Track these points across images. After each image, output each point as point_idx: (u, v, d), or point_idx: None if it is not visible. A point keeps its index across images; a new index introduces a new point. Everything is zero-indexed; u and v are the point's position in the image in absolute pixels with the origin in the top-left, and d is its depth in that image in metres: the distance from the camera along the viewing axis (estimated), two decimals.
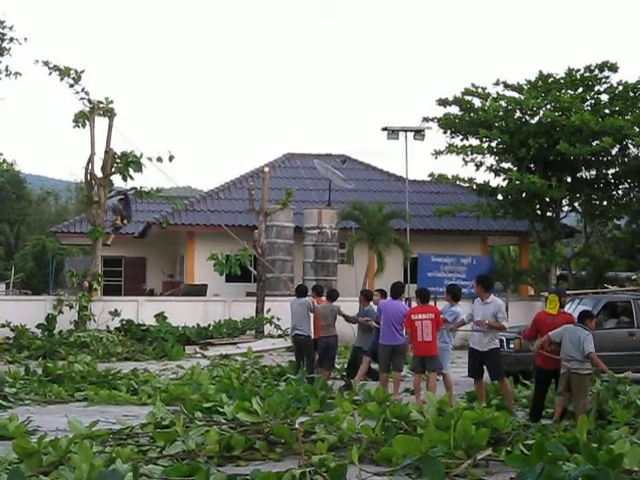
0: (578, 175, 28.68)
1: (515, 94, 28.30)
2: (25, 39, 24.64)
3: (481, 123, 27.51)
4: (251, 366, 17.47)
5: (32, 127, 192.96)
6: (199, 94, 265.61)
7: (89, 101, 24.47)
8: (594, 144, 26.06)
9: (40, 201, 73.81)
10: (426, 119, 28.71)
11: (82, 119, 24.32)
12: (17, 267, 51.66)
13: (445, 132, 28.74)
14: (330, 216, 28.12)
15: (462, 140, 28.69)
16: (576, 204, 29.37)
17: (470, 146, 28.23)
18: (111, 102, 24.72)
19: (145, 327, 23.19)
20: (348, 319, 15.48)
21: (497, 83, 28.66)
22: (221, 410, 10.45)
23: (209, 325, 23.89)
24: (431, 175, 28.86)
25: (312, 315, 15.25)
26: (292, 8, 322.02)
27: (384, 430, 8.82)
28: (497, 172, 29.05)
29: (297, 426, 8.72)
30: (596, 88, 28.02)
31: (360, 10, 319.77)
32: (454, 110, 28.63)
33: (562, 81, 28.22)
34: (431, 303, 13.18)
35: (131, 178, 24.61)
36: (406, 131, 28.23)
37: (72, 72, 24.18)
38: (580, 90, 28.08)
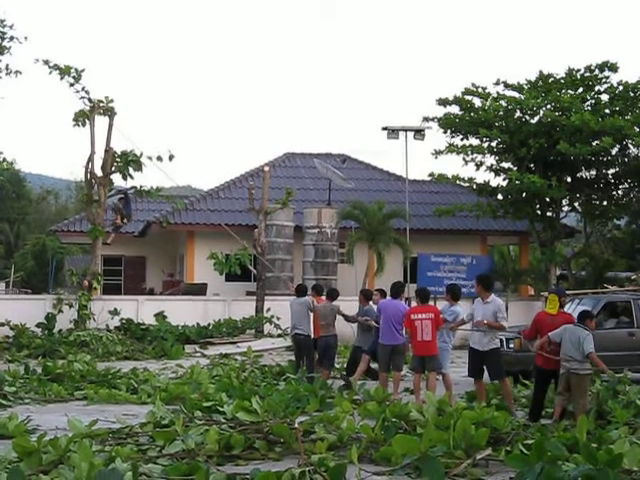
0: (578, 175, 28.68)
1: (515, 94, 28.30)
2: (25, 38, 24.68)
3: (481, 123, 27.51)
4: (251, 365, 17.47)
5: (32, 126, 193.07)
6: (199, 93, 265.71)
7: (89, 100, 24.49)
8: (594, 144, 26.07)
9: (40, 200, 73.81)
10: (426, 119, 28.72)
11: (82, 118, 24.33)
12: (17, 266, 51.64)
13: (445, 132, 28.75)
14: (330, 215, 28.13)
15: (462, 140, 28.71)
16: (576, 204, 29.38)
17: (470, 146, 28.23)
18: (111, 101, 24.75)
19: (145, 326, 23.19)
20: (348, 318, 15.48)
21: (497, 83, 28.67)
22: (221, 409, 10.46)
23: (209, 324, 23.89)
24: (431, 175, 28.87)
25: (312, 314, 15.24)
26: (292, 8, 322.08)
27: (384, 430, 8.82)
28: (497, 172, 29.06)
29: (297, 425, 8.72)
30: (596, 88, 28.02)
31: (360, 10, 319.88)
32: (454, 110, 28.66)
33: (562, 81, 28.22)
34: (431, 303, 13.18)
35: (131, 177, 24.64)
36: (406, 131, 28.23)
37: (72, 71, 24.19)
38: (580, 90, 28.08)
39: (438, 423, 8.84)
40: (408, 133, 28.19)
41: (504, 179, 28.61)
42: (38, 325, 22.46)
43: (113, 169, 24.56)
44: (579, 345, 10.26)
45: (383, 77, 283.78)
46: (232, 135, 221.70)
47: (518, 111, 27.82)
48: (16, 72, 24.55)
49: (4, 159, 27.33)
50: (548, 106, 27.28)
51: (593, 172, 28.75)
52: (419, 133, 28.14)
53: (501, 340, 13.94)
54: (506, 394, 11.74)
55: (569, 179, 28.47)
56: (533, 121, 27.71)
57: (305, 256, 28.12)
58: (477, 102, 28.52)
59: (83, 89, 24.35)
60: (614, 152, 27.67)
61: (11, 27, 24.37)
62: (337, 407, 10.76)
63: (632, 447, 7.73)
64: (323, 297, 15.63)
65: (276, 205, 26.73)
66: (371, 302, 15.19)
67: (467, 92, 28.52)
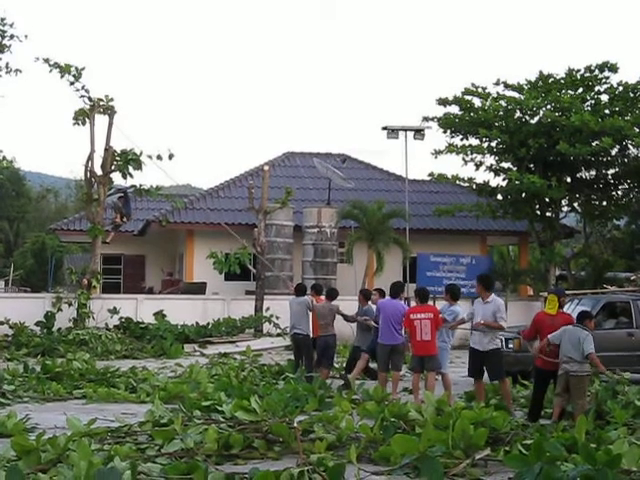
0: (578, 175, 28.68)
1: (515, 94, 28.30)
2: (26, 36, 24.61)
3: (481, 123, 27.51)
4: (250, 365, 17.45)
5: (32, 124, 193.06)
6: (199, 92, 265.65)
7: (89, 99, 24.49)
8: (594, 144, 26.06)
9: (40, 198, 73.80)
10: (426, 118, 28.71)
11: (82, 117, 24.34)
12: (16, 264, 51.67)
13: (445, 132, 28.75)
14: (330, 215, 28.13)
15: (462, 140, 28.72)
16: (575, 204, 29.38)
17: (470, 146, 28.23)
18: (111, 100, 24.75)
19: (144, 325, 23.19)
20: (347, 318, 15.48)
21: (497, 83, 28.67)
22: (220, 408, 10.45)
23: (208, 323, 23.89)
24: (431, 175, 28.87)
25: (311, 314, 15.24)
26: (292, 8, 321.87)
27: (382, 429, 8.82)
28: (497, 172, 29.06)
29: (295, 425, 8.72)
30: (596, 88, 28.02)
31: (360, 10, 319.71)
32: (454, 110, 28.66)
33: (562, 81, 28.22)
34: (430, 303, 13.18)
35: (131, 176, 24.66)
36: (406, 130, 28.22)
37: (72, 69, 24.19)
38: (580, 90, 28.09)
39: (437, 423, 8.84)
40: (408, 133, 28.18)
41: (504, 179, 28.62)
42: (37, 323, 22.46)
43: (113, 168, 24.56)
44: (579, 346, 10.25)
45: (383, 77, 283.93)
46: (232, 134, 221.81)
47: (518, 111, 27.82)
48: (16, 70, 24.52)
49: (4, 157, 27.25)
50: (548, 106, 27.29)
51: (593, 172, 28.76)
52: (419, 133, 28.14)
53: (500, 340, 13.93)
54: (505, 394, 11.74)
55: (569, 179, 28.47)
56: (533, 121, 27.71)
57: (304, 256, 28.13)
58: (477, 102, 28.53)
59: (83, 88, 24.38)
60: (614, 152, 27.67)
61: (11, 25, 24.34)
62: (336, 407, 10.76)
63: (631, 447, 7.73)
64: (322, 297, 15.62)
65: (276, 204, 26.73)
66: (370, 302, 15.20)
67: (467, 92, 28.52)
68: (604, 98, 27.78)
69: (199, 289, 27.94)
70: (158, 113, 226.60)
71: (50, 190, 76.96)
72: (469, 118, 28.05)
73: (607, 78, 27.89)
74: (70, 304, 23.40)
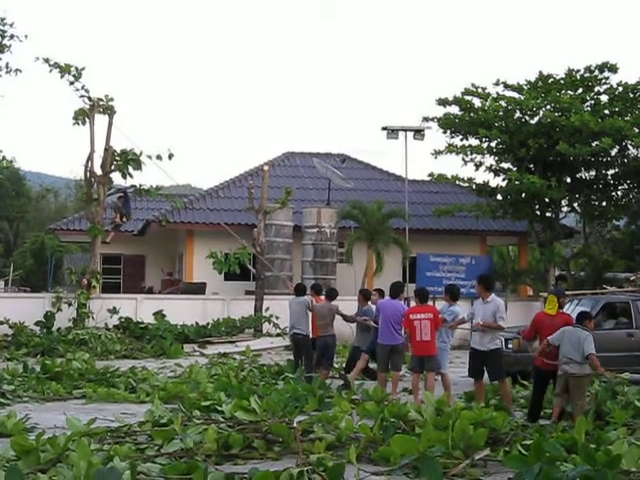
0: (577, 176, 28.68)
1: (515, 94, 28.30)
2: (26, 36, 24.64)
3: (481, 123, 27.51)
4: (249, 365, 17.45)
5: (32, 124, 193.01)
6: (199, 92, 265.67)
7: (89, 99, 24.50)
8: (594, 145, 26.07)
9: (39, 198, 73.79)
10: (426, 119, 28.71)
11: (82, 116, 24.34)
12: (16, 264, 51.65)
13: (445, 132, 28.74)
14: (329, 215, 28.13)
15: (462, 140, 28.71)
16: (575, 205, 29.37)
17: (470, 146, 28.23)
18: (111, 100, 24.75)
19: (144, 325, 23.19)
20: (346, 318, 15.48)
21: (497, 83, 28.66)
22: (219, 408, 10.45)
23: (208, 323, 23.89)
24: (430, 175, 28.86)
25: (310, 314, 15.24)
26: (292, 8, 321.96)
27: (382, 429, 8.82)
28: (496, 172, 29.05)
29: (295, 425, 8.72)
30: (596, 89, 28.03)
31: (360, 10, 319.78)
32: (454, 110, 28.66)
33: (562, 82, 28.22)
34: (430, 303, 13.18)
35: (130, 176, 24.67)
36: (406, 131, 28.21)
37: (72, 69, 24.20)
38: (580, 91, 28.09)
39: (437, 423, 8.83)
40: (408, 133, 28.18)
41: (503, 179, 28.62)
42: (37, 323, 22.47)
43: (113, 168, 24.57)
44: (579, 346, 10.24)
45: (383, 77, 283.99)
46: (232, 134, 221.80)
47: (518, 111, 27.81)
48: (16, 70, 24.54)
49: (4, 157, 27.24)
50: (548, 107, 27.29)
51: (592, 173, 28.76)
52: (419, 133, 28.13)
53: (501, 340, 13.92)
54: (505, 395, 11.74)
55: (568, 180, 28.48)
56: (533, 121, 27.71)
57: (304, 256, 28.12)
58: (477, 102, 28.53)
59: (83, 87, 24.39)
60: (613, 153, 27.67)
61: (11, 25, 24.37)
62: (336, 407, 10.75)
63: (630, 448, 7.73)
64: (322, 297, 15.62)
65: (275, 204, 26.73)
66: (369, 302, 15.20)
67: (467, 92, 28.52)
68: (604, 98, 27.79)
69: (199, 289, 27.94)
70: (158, 113, 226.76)
71: (50, 190, 76.96)
72: (469, 118, 28.05)
73: (607, 78, 27.91)
74: (70, 304, 23.40)
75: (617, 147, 27.08)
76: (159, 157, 24.30)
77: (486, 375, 11.88)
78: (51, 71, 24.18)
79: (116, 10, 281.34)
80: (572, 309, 14.38)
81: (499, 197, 29.00)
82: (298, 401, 11.47)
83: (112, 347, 20.87)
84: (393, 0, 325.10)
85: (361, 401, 11.94)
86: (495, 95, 28.41)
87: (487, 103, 28.10)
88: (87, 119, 24.38)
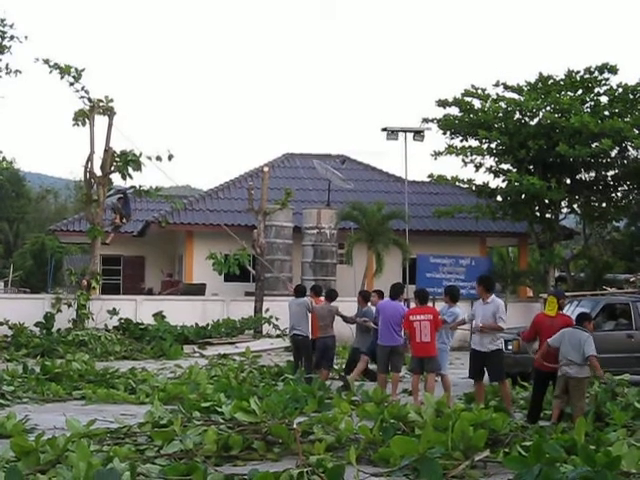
0: (577, 177, 28.70)
1: (515, 95, 28.31)
2: (26, 37, 24.61)
3: (481, 124, 27.51)
4: (249, 366, 17.46)
5: (32, 125, 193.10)
6: (199, 93, 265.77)
7: (89, 99, 24.50)
8: (593, 146, 26.08)
9: (39, 199, 73.81)
10: (426, 120, 28.73)
11: (82, 117, 24.35)
12: (16, 265, 51.64)
13: (445, 133, 28.75)
14: (329, 216, 28.13)
15: (462, 141, 28.71)
16: (575, 206, 29.39)
17: (469, 147, 28.23)
18: (111, 101, 24.76)
19: (143, 326, 23.20)
20: (346, 319, 15.48)
21: (497, 84, 28.67)
22: (219, 410, 10.45)
23: (207, 324, 23.89)
24: (430, 176, 28.87)
25: (310, 315, 15.24)
26: (292, 8, 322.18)
27: (382, 431, 8.82)
28: (496, 173, 29.08)
29: (295, 426, 8.71)
30: (596, 90, 28.04)
31: (360, 10, 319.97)
32: (454, 111, 28.67)
33: (562, 83, 28.22)
34: (430, 304, 13.17)
35: (130, 177, 24.67)
36: (405, 132, 28.23)
37: (72, 70, 24.20)
38: (580, 92, 28.09)
39: (436, 424, 8.83)
40: (407, 134, 28.19)
41: (503, 180, 28.63)
42: (37, 324, 22.47)
43: (112, 169, 24.57)
44: (579, 347, 10.23)
45: (383, 78, 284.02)
46: (231, 135, 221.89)
47: (517, 113, 27.83)
48: (16, 71, 24.52)
49: (4, 158, 27.21)
50: (547, 108, 27.29)
51: (592, 174, 28.77)
52: (418, 134, 28.14)
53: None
54: (505, 396, 11.74)
55: (568, 181, 28.49)
56: (532, 123, 27.72)
57: (304, 257, 28.12)
58: (477, 103, 28.54)
59: (83, 88, 24.39)
60: (613, 154, 27.68)
61: (11, 26, 24.34)
62: (335, 408, 10.75)
63: (630, 449, 7.73)
64: (322, 298, 15.62)
65: (275, 206, 26.74)
66: (369, 303, 15.19)
67: (467, 93, 28.54)
68: (604, 100, 27.80)
69: (198, 290, 27.94)
70: (158, 114, 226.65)
71: (50, 191, 76.97)
72: (469, 119, 28.06)
73: (607, 80, 27.91)
74: (69, 305, 23.41)
75: (617, 148, 27.08)
76: (159, 158, 24.31)
77: (486, 376, 11.88)
78: (51, 72, 24.21)
79: (116, 11, 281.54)
80: (572, 310, 14.38)
81: (499, 198, 29.01)
82: (298, 402, 11.47)
83: (112, 348, 20.88)
84: (393, 1, 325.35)
85: (361, 402, 11.92)
86: (495, 96, 28.42)
87: (487, 104, 28.11)
88: (87, 120, 24.39)
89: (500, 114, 27.68)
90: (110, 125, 24.78)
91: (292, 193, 27.42)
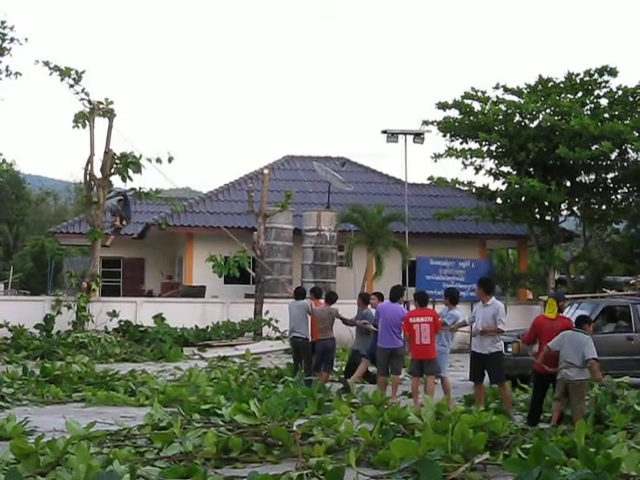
0: (577, 179, 28.72)
1: (515, 98, 28.34)
2: (26, 39, 24.60)
3: (481, 127, 27.53)
4: (249, 368, 17.45)
5: (32, 127, 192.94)
6: (199, 95, 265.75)
7: (89, 102, 24.52)
8: (593, 148, 26.11)
9: (39, 201, 73.80)
10: (426, 122, 28.74)
11: (82, 120, 24.36)
12: (16, 267, 51.64)
13: (445, 135, 28.77)
14: (329, 218, 28.14)
15: (461, 144, 28.74)
16: (575, 208, 29.40)
17: (469, 150, 28.25)
18: (111, 103, 24.79)
19: (143, 328, 23.18)
20: (346, 322, 15.48)
21: (497, 87, 28.70)
22: (219, 412, 10.44)
23: (207, 327, 23.88)
24: (430, 178, 28.90)
25: (310, 318, 15.24)
26: (292, 8, 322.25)
27: (382, 433, 8.82)
28: (496, 176, 29.09)
29: (295, 428, 8.71)
30: (596, 92, 28.06)
31: (360, 11, 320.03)
32: (454, 113, 28.69)
33: (562, 85, 28.24)
34: (429, 306, 13.17)
35: (130, 179, 24.68)
36: (406, 134, 28.20)
37: (72, 72, 24.22)
38: (580, 94, 28.11)
39: (436, 427, 8.82)
40: (407, 136, 28.16)
41: (503, 183, 28.65)
42: (36, 326, 22.46)
43: (112, 171, 24.59)
44: (580, 350, 10.22)
45: (383, 80, 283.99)
46: (231, 137, 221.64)
47: (517, 115, 27.85)
48: (16, 73, 24.50)
49: (4, 160, 27.21)
50: (547, 110, 27.31)
51: (592, 176, 28.79)
52: (418, 137, 28.13)
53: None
54: (505, 398, 11.74)
55: (568, 183, 28.50)
56: (532, 125, 27.75)
57: (304, 259, 28.13)
58: (477, 106, 28.57)
59: (83, 91, 24.40)
60: (613, 156, 27.69)
61: (11, 29, 24.34)
62: (335, 410, 10.75)
63: (630, 452, 7.73)
64: (322, 300, 15.62)
65: (275, 208, 26.75)
66: (369, 306, 15.19)
67: (467, 96, 28.56)
68: (603, 102, 27.82)
69: (198, 292, 27.94)
70: (158, 116, 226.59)
71: (50, 193, 76.96)
72: (469, 122, 28.08)
73: (606, 82, 27.92)
74: (69, 307, 23.41)
75: (617, 151, 27.10)
76: (159, 160, 24.32)
77: (486, 379, 11.88)
78: (51, 74, 24.22)
79: (116, 13, 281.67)
80: (572, 313, 14.39)
81: (499, 201, 29.03)
82: (298, 405, 11.47)
83: (112, 350, 20.87)
84: (393, 2, 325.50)
85: (361, 404, 11.93)
86: (495, 99, 28.44)
87: (487, 107, 28.13)
88: (87, 122, 24.41)
89: (500, 116, 27.71)
90: (110, 127, 24.80)
91: (292, 195, 27.43)
